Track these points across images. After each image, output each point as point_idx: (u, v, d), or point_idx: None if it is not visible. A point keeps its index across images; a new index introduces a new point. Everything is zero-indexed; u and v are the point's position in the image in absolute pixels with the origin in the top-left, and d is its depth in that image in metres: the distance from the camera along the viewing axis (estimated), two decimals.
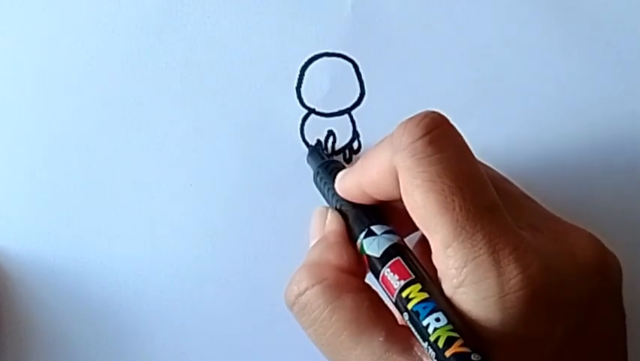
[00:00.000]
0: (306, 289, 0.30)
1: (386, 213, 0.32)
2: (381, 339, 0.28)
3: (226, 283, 0.38)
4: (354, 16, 0.37)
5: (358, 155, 0.38)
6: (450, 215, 0.27)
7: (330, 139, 0.38)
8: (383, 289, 0.29)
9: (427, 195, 0.27)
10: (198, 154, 0.37)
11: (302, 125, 0.38)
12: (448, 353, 0.25)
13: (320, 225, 0.33)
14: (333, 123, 0.38)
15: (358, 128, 0.38)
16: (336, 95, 0.38)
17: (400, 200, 0.29)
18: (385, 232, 0.30)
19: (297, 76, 0.38)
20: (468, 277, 0.27)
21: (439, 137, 0.28)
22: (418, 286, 0.28)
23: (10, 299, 0.37)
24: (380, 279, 0.29)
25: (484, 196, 0.28)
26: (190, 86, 0.37)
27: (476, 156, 0.29)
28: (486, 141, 0.38)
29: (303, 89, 0.38)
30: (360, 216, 0.32)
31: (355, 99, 0.38)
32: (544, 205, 0.32)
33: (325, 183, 0.34)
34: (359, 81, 0.38)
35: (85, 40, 0.37)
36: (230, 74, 0.37)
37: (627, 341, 0.31)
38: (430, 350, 0.26)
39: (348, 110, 0.38)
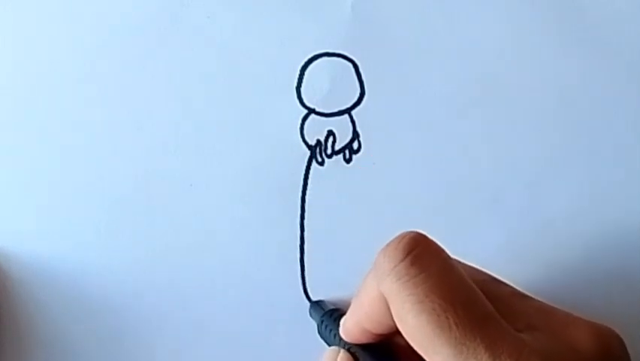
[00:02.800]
0: None
1: (392, 349, 0.32)
2: None
3: (226, 283, 0.38)
4: (354, 16, 0.37)
5: (358, 155, 0.38)
6: (447, 334, 0.27)
7: (330, 139, 0.38)
8: None
9: (420, 318, 0.27)
10: (198, 154, 0.37)
11: (302, 125, 0.38)
12: None
13: None
14: (333, 123, 0.38)
15: (358, 128, 0.38)
16: (336, 95, 0.38)
17: (398, 332, 0.29)
18: None
19: (297, 76, 0.38)
20: None
21: (420, 256, 0.28)
22: None
23: (10, 299, 0.37)
24: None
25: (477, 307, 0.27)
26: (190, 86, 0.37)
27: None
28: (486, 141, 0.38)
29: (303, 89, 0.38)
30: (368, 356, 0.32)
31: (355, 99, 0.38)
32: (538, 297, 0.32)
33: (331, 331, 0.35)
34: (359, 81, 0.38)
35: (85, 40, 0.37)
36: (230, 74, 0.37)
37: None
38: None
39: (348, 110, 0.38)
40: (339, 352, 0.33)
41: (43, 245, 0.37)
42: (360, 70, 0.38)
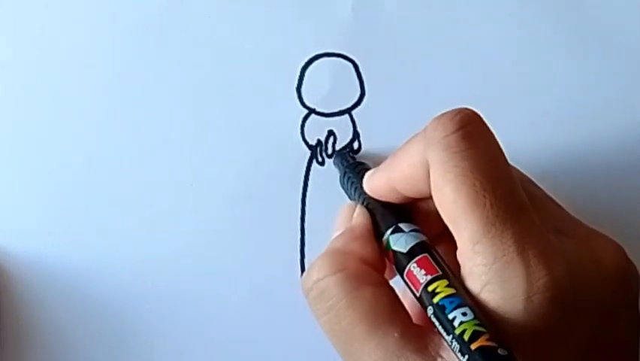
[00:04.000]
0: (326, 276, 0.30)
1: (413, 214, 0.32)
2: (396, 335, 0.28)
3: (226, 282, 0.38)
4: (354, 16, 0.37)
5: (359, 155, 0.38)
6: (480, 211, 0.27)
7: (331, 139, 0.38)
8: (407, 284, 0.29)
9: (459, 190, 0.27)
10: (199, 154, 0.37)
11: (302, 125, 0.38)
12: (473, 346, 0.25)
13: (346, 218, 0.33)
14: (333, 123, 0.38)
15: (358, 128, 0.38)
16: (336, 95, 0.38)
17: (429, 197, 0.29)
18: (412, 230, 0.30)
19: (297, 76, 0.38)
20: (496, 275, 0.27)
21: (472, 133, 0.28)
22: (445, 281, 0.28)
23: (10, 299, 0.37)
24: (405, 274, 0.29)
25: (514, 195, 0.28)
26: (190, 86, 0.37)
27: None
28: None
29: (303, 89, 0.38)
30: (387, 213, 0.32)
31: (355, 99, 0.38)
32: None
33: (352, 183, 0.34)
34: (359, 81, 0.38)
35: (85, 40, 0.37)
36: (230, 74, 0.37)
37: None
38: (455, 343, 0.26)
39: (348, 110, 0.38)
40: (355, 207, 0.33)
41: (43, 245, 0.37)
42: (361, 70, 0.38)
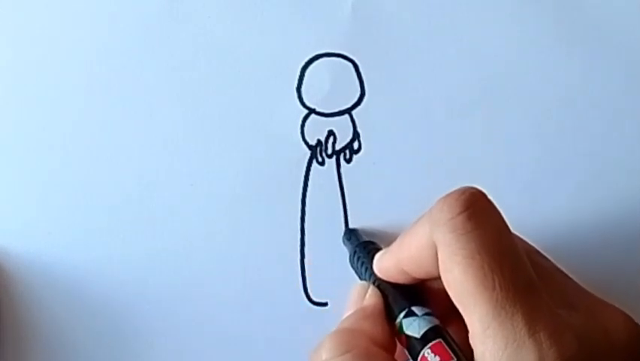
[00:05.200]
0: (334, 357, 0.30)
1: (423, 294, 0.32)
2: None
3: (226, 282, 0.38)
4: (354, 16, 0.37)
5: (359, 155, 0.38)
6: (489, 293, 0.27)
7: (331, 139, 0.38)
8: None
9: (467, 272, 0.27)
10: (199, 154, 0.37)
11: (302, 125, 0.38)
12: None
13: (359, 298, 0.33)
14: (333, 123, 0.38)
15: (358, 129, 0.38)
16: (336, 95, 0.38)
17: (438, 278, 0.29)
18: (425, 314, 0.30)
19: (297, 76, 0.38)
20: (509, 360, 0.27)
21: (478, 213, 0.28)
22: None
23: (10, 299, 0.37)
24: (419, 360, 0.29)
25: (522, 275, 0.28)
26: (190, 86, 0.37)
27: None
28: (486, 141, 0.38)
29: (303, 89, 0.38)
30: (399, 295, 0.32)
31: (355, 99, 0.38)
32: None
33: (363, 263, 0.35)
34: (359, 81, 0.38)
35: (85, 40, 0.37)
36: (230, 74, 0.37)
37: None
38: None
39: (348, 110, 0.38)
40: (368, 287, 0.33)
41: (43, 245, 0.37)
42: (361, 70, 0.38)
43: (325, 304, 0.38)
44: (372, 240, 0.36)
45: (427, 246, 0.29)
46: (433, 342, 0.29)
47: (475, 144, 0.38)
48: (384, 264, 0.32)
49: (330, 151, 0.38)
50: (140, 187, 0.37)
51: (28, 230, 0.37)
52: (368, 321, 0.32)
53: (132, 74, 0.37)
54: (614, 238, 0.38)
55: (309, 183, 0.38)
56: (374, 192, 0.38)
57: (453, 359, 0.28)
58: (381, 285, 0.33)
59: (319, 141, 0.38)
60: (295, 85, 0.38)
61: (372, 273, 0.33)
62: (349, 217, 0.38)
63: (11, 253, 0.37)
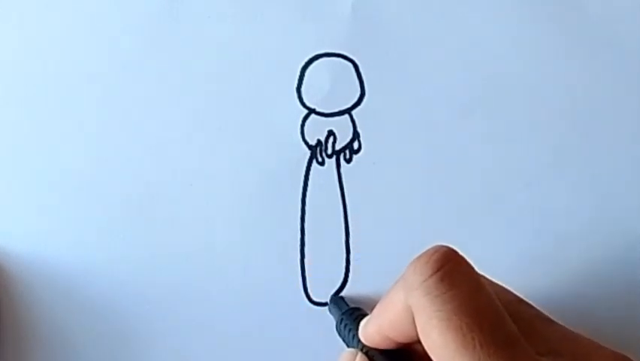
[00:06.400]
0: None
1: (410, 355, 0.32)
2: None
3: (226, 283, 0.38)
4: (354, 16, 0.37)
5: (359, 155, 0.38)
6: (471, 354, 0.27)
7: (331, 139, 0.38)
8: None
9: (445, 335, 0.27)
10: (199, 154, 0.37)
11: (302, 125, 0.38)
12: None
13: None
14: (333, 123, 0.38)
15: (358, 129, 0.38)
16: (336, 95, 0.38)
17: (419, 341, 0.29)
18: None
19: (297, 76, 0.38)
20: None
21: (451, 272, 0.28)
22: None
23: (10, 299, 0.37)
24: None
25: (503, 329, 0.27)
26: (190, 86, 0.37)
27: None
28: (486, 141, 0.38)
29: (303, 89, 0.38)
30: None
31: (355, 99, 0.38)
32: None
33: (350, 330, 0.34)
34: (359, 81, 0.38)
35: (85, 40, 0.37)
36: (230, 74, 0.37)
37: None
38: None
39: (348, 110, 0.38)
40: (356, 354, 0.33)
41: (43, 245, 0.37)
42: (360, 70, 0.38)
43: (325, 304, 0.38)
44: (358, 306, 0.36)
45: (403, 311, 0.29)
46: None
47: (475, 143, 0.38)
48: (368, 331, 0.32)
49: (330, 151, 0.38)
50: (140, 187, 0.37)
51: (28, 230, 0.37)
52: None
53: (132, 74, 0.37)
54: (615, 237, 0.38)
55: (309, 183, 0.38)
56: (374, 192, 0.38)
57: None
58: (369, 352, 0.33)
59: (319, 141, 0.38)
60: (295, 85, 0.38)
61: (359, 340, 0.33)
62: (349, 217, 0.38)
63: (11, 253, 0.37)
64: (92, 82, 0.37)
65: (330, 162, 0.38)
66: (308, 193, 0.38)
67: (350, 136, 0.38)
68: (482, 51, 0.38)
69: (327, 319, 0.37)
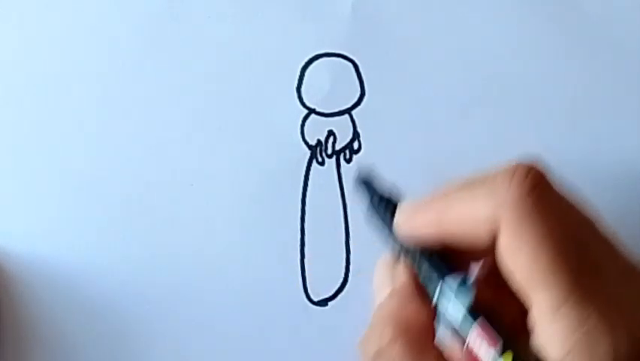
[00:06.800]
0: (387, 345, 0.29)
1: (446, 253, 0.30)
2: None
3: (226, 282, 0.38)
4: (354, 16, 0.37)
5: (359, 155, 0.38)
6: (560, 276, 0.26)
7: (331, 139, 0.38)
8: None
9: (537, 254, 0.27)
10: (199, 154, 0.37)
11: (302, 125, 0.38)
12: None
13: (388, 277, 0.32)
14: (333, 123, 0.38)
15: (358, 129, 0.38)
16: (336, 95, 0.38)
17: (478, 250, 0.28)
18: (460, 284, 0.29)
19: (297, 76, 0.38)
20: (580, 342, 0.26)
21: (546, 192, 0.28)
22: (510, 354, 0.27)
23: (10, 299, 0.37)
24: (465, 350, 0.28)
25: (592, 255, 0.27)
26: (190, 86, 0.37)
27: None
28: (486, 141, 0.38)
29: (303, 89, 0.38)
30: (430, 267, 0.30)
31: (355, 99, 0.38)
32: None
33: (384, 220, 0.32)
34: (359, 81, 0.38)
35: (85, 40, 0.37)
36: (230, 74, 0.37)
37: None
38: None
39: (348, 110, 0.38)
40: (393, 264, 0.32)
41: (43, 245, 0.37)
42: (360, 70, 0.38)
43: (325, 304, 0.38)
44: (389, 191, 0.33)
45: (484, 219, 0.28)
46: (475, 327, 0.28)
47: (475, 143, 0.38)
48: (419, 222, 0.31)
49: (330, 151, 0.38)
50: (140, 187, 0.37)
51: (28, 230, 0.37)
52: (410, 305, 0.30)
53: (132, 74, 0.37)
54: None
55: (309, 183, 0.38)
56: None
57: (498, 341, 0.27)
58: (407, 253, 0.31)
59: (319, 141, 0.38)
60: (295, 85, 0.38)
61: (393, 234, 0.31)
62: (349, 217, 0.38)
63: (11, 253, 0.37)
64: (92, 82, 0.37)
65: (330, 162, 0.38)
66: (308, 193, 0.38)
67: (350, 136, 0.38)
68: (482, 51, 0.38)
69: (327, 319, 0.37)
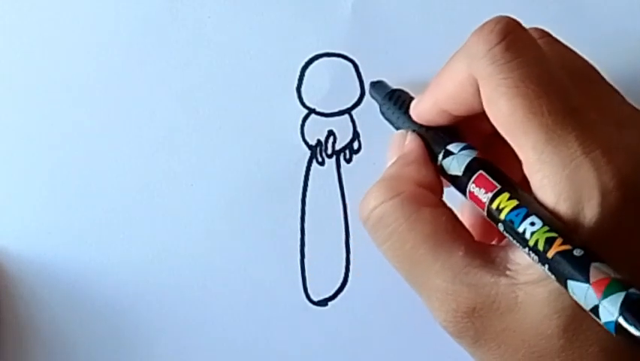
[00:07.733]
0: (383, 202, 0.30)
1: (463, 132, 0.31)
2: (460, 254, 0.28)
3: (226, 282, 0.38)
4: (354, 16, 0.37)
5: (359, 155, 0.38)
6: (539, 120, 0.27)
7: (330, 139, 0.38)
8: (474, 205, 0.29)
9: (514, 102, 0.27)
10: (199, 154, 0.37)
11: (302, 125, 0.38)
12: (550, 254, 0.25)
13: (399, 146, 0.33)
14: (333, 123, 0.38)
15: (358, 129, 0.38)
16: (336, 95, 0.38)
17: (479, 112, 0.29)
18: (462, 149, 0.30)
19: (297, 76, 0.38)
20: (569, 182, 0.26)
21: (515, 41, 0.28)
22: (506, 195, 0.28)
23: (10, 299, 0.37)
24: (468, 196, 0.29)
25: (569, 97, 0.27)
26: (190, 86, 0.37)
27: None
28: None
29: (303, 89, 0.38)
30: (438, 137, 0.32)
31: (355, 99, 0.38)
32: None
33: (396, 111, 0.34)
34: (359, 81, 0.38)
35: (85, 40, 0.37)
36: (230, 74, 0.37)
37: None
38: (532, 254, 0.26)
39: (348, 110, 0.38)
40: (406, 134, 0.33)
41: (43, 245, 0.37)
42: (361, 70, 0.38)
43: (325, 304, 0.38)
44: (400, 88, 0.36)
45: (466, 81, 0.29)
46: (475, 175, 0.29)
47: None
48: (423, 107, 0.32)
49: (330, 151, 0.38)
50: (140, 187, 0.37)
51: (28, 230, 0.37)
52: (411, 166, 0.31)
53: (132, 73, 0.37)
54: None
55: (309, 183, 0.38)
56: None
57: (497, 187, 0.28)
58: (418, 130, 0.32)
59: (319, 141, 0.38)
60: (295, 85, 0.38)
61: (408, 119, 0.33)
62: (349, 217, 0.38)
63: (11, 253, 0.37)
64: (92, 82, 0.37)
65: (330, 162, 0.38)
66: (308, 193, 0.38)
67: (350, 136, 0.38)
68: None
69: (327, 319, 0.37)
